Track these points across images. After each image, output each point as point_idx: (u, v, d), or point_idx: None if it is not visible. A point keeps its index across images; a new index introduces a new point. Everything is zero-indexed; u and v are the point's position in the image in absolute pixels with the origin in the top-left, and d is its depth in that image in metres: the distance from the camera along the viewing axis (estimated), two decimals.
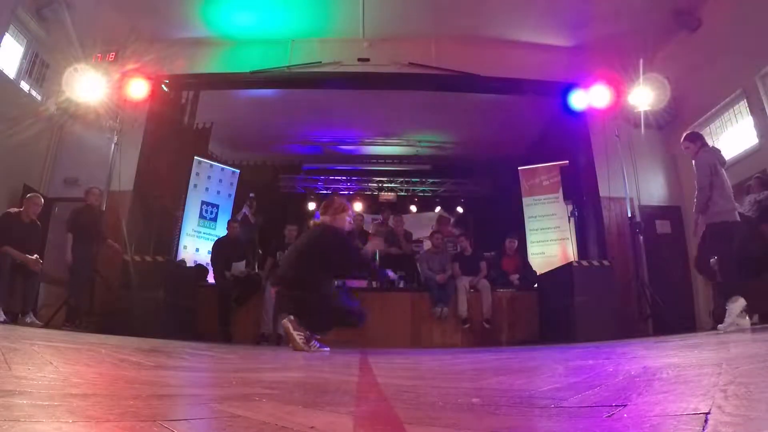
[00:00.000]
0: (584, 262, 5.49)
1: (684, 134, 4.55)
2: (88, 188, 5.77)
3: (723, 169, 4.22)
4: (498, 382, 1.32)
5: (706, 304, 6.15)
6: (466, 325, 5.78)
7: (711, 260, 5.12)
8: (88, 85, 5.82)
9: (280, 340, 5.36)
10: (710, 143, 6.38)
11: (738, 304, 3.83)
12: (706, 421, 0.58)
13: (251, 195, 7.81)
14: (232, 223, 6.51)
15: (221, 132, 8.62)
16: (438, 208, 10.70)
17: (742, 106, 5.76)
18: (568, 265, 5.47)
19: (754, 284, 4.32)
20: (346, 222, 3.84)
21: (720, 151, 4.38)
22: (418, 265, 6.76)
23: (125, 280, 5.15)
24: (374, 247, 3.88)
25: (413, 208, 11.01)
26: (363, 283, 6.83)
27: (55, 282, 5.94)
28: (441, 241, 6.45)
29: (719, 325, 3.99)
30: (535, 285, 6.28)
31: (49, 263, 5.51)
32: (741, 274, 4.12)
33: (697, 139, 4.42)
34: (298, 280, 3.47)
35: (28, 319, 4.75)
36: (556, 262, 6.51)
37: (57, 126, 6.69)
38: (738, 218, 4.15)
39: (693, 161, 4.35)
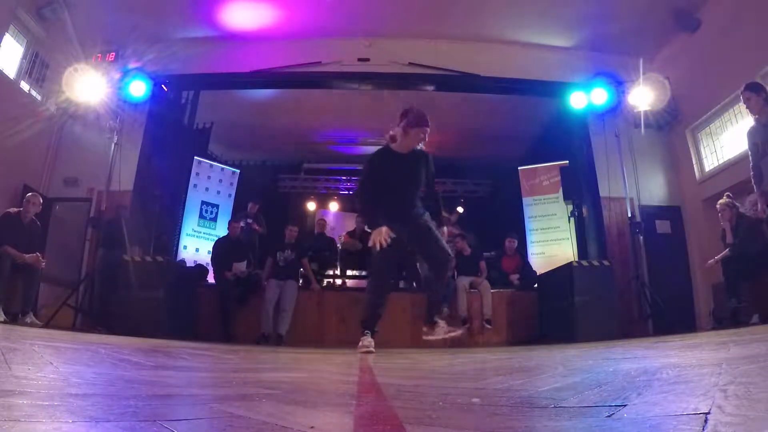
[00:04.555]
0: (584, 262, 5.48)
1: (744, 85, 3.91)
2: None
3: None
4: (498, 382, 1.32)
5: (706, 304, 6.14)
6: (466, 325, 5.77)
7: (712, 259, 5.12)
8: (88, 85, 5.82)
9: (281, 340, 5.37)
10: (710, 143, 6.42)
11: None
12: (706, 421, 0.58)
13: (255, 205, 7.37)
14: (233, 222, 6.50)
15: (221, 132, 8.61)
16: None
17: (742, 106, 5.74)
18: (568, 265, 5.47)
19: (754, 284, 4.32)
20: (417, 139, 3.27)
21: None
22: (418, 265, 6.76)
23: (125, 280, 5.16)
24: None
25: None
26: (363, 283, 6.82)
27: (55, 282, 5.95)
28: None
29: None
30: (535, 285, 6.28)
31: (49, 263, 5.52)
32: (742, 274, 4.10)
33: (760, 89, 3.74)
34: None
35: (28, 319, 4.75)
36: (556, 262, 6.50)
37: (57, 126, 6.69)
38: None
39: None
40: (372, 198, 3.34)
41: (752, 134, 3.80)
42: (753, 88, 3.81)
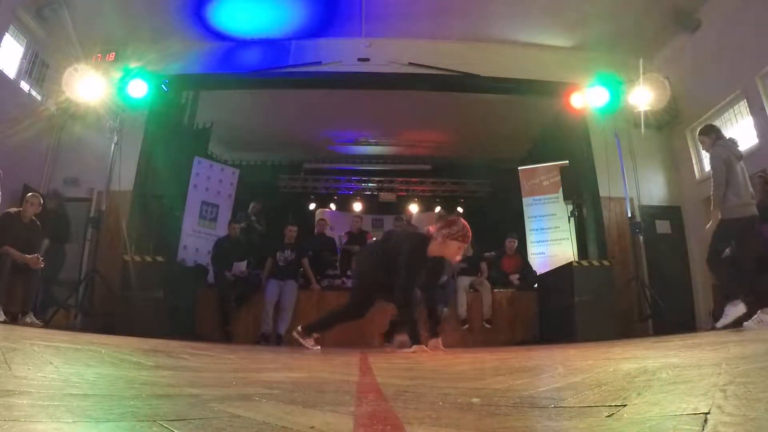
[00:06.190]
0: (584, 262, 5.48)
1: (700, 127, 4.54)
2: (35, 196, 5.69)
3: (740, 163, 4.09)
4: (498, 382, 1.32)
5: (706, 304, 6.14)
6: (466, 326, 5.78)
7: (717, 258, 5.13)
8: (88, 85, 5.82)
9: (281, 340, 5.37)
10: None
11: (738, 308, 3.79)
12: (705, 421, 0.58)
13: (258, 205, 7.53)
14: (232, 223, 6.51)
15: (221, 132, 8.62)
16: (438, 208, 10.70)
17: (742, 106, 5.76)
18: (568, 265, 5.47)
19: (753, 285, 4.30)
20: (454, 252, 3.31)
21: (736, 144, 4.23)
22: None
23: (125, 280, 5.15)
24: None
25: (413, 208, 11.02)
26: None
27: (55, 282, 5.94)
28: None
29: (716, 323, 4.00)
30: (535, 285, 6.28)
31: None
32: (744, 275, 4.11)
33: (710, 131, 4.31)
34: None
35: (28, 319, 4.75)
36: (556, 262, 6.51)
37: (57, 126, 6.69)
38: (754, 212, 4.05)
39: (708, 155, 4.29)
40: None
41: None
42: (704, 131, 4.41)
